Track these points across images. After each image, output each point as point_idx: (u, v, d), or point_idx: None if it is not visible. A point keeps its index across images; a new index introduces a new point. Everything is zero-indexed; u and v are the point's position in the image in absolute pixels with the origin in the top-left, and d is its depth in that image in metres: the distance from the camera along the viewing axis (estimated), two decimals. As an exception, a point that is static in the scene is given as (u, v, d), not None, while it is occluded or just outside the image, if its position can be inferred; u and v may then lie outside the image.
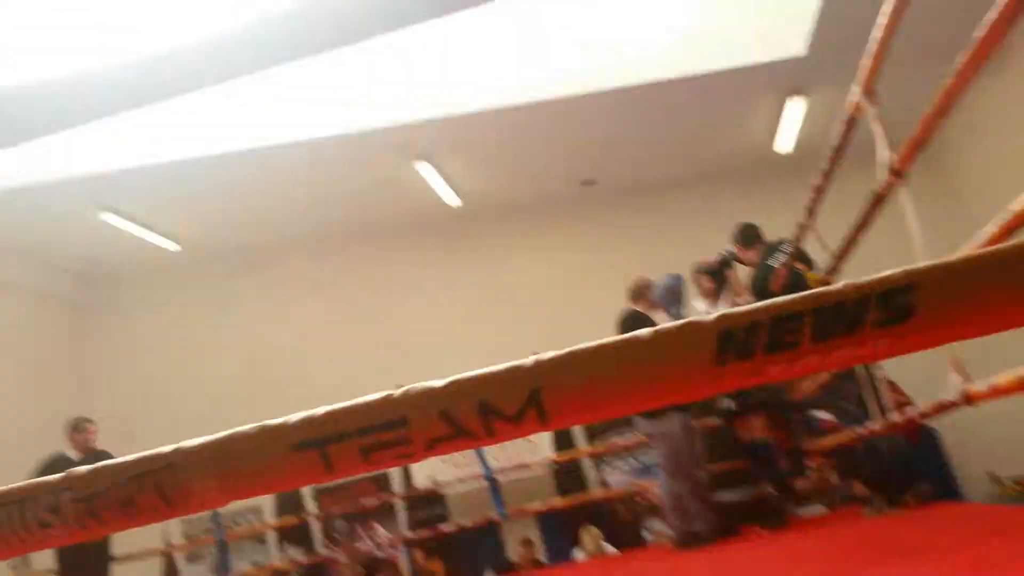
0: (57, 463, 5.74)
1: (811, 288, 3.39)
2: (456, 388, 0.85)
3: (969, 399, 2.26)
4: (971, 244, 1.98)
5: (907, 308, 0.80)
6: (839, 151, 3.01)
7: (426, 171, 7.99)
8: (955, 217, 7.12)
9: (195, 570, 7.67)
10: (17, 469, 5.65)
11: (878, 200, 2.62)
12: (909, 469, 4.35)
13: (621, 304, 5.28)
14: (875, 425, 3.31)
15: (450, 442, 0.85)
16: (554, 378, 0.86)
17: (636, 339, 0.85)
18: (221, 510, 7.61)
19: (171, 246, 8.69)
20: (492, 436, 0.84)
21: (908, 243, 2.41)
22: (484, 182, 8.71)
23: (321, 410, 0.88)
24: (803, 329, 0.80)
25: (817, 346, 0.81)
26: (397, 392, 0.88)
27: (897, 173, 2.47)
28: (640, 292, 5.07)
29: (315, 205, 8.54)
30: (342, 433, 0.86)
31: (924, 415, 2.54)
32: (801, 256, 4.50)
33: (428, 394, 0.87)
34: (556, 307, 8.89)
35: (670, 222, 8.90)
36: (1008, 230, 1.88)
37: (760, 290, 4.73)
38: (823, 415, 4.97)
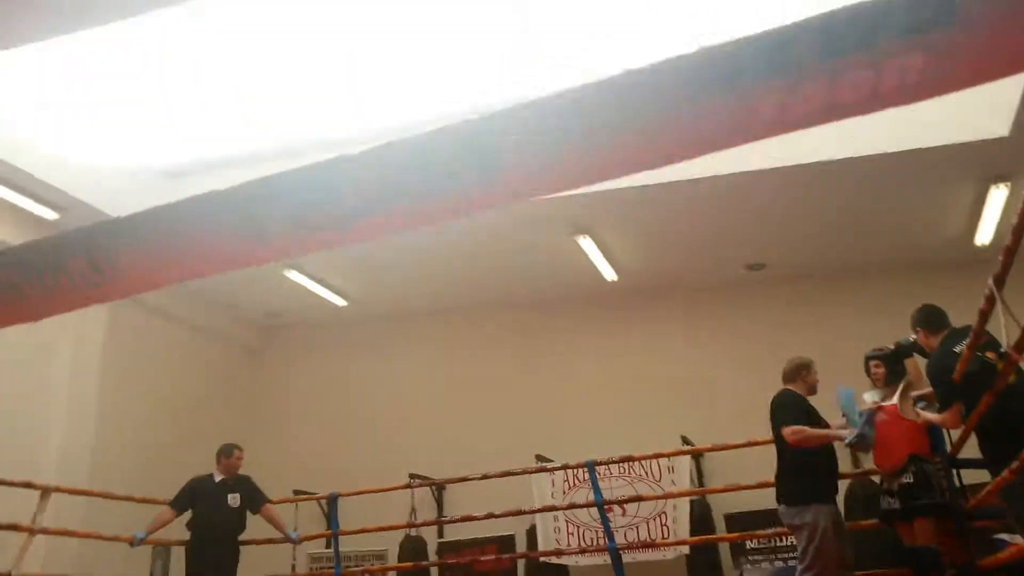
0: (200, 481, 6.09)
1: (998, 375, 2.97)
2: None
3: None
4: None
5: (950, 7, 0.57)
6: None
7: (587, 245, 7.97)
8: None
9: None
10: (175, 488, 6.12)
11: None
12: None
13: None
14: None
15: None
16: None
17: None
18: (345, 550, 7.70)
19: (339, 301, 9.25)
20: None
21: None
22: (644, 259, 8.53)
23: (257, 179, 0.74)
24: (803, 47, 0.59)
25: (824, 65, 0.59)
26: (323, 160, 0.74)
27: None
28: (795, 373, 4.74)
29: (476, 273, 8.78)
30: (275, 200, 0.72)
31: None
32: (989, 343, 4.00)
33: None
34: (708, 393, 8.52)
35: (840, 313, 8.33)
36: None
37: (940, 379, 4.24)
38: (1013, 538, 4.35)
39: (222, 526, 5.89)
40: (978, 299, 3.28)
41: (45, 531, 5.65)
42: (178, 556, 6.37)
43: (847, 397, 4.56)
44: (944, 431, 4.98)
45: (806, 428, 4.40)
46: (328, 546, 7.11)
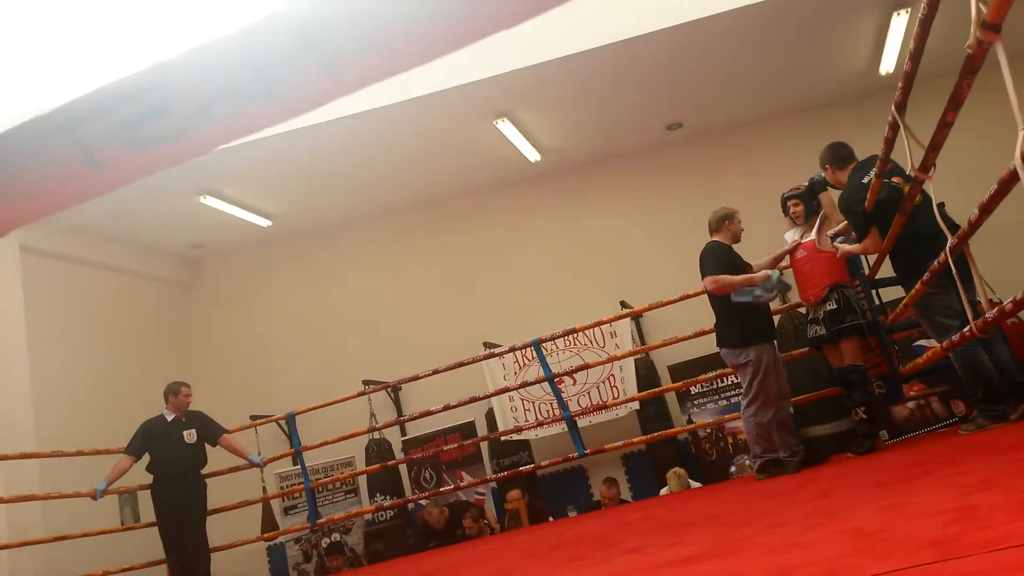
0: (152, 423, 6.05)
1: (908, 200, 3.08)
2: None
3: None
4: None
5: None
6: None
7: (507, 129, 7.85)
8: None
9: (292, 521, 7.93)
10: (127, 435, 6.06)
11: (971, 63, 2.30)
12: (1016, 384, 3.99)
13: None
14: (970, 330, 3.01)
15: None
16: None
17: None
18: (312, 464, 7.86)
19: (262, 222, 9.02)
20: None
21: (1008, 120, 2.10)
22: (564, 135, 8.46)
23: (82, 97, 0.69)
24: None
25: None
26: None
27: (991, 27, 2.14)
28: (719, 224, 4.84)
29: (398, 176, 8.61)
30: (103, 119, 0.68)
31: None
32: (894, 169, 4.15)
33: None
34: (642, 257, 8.71)
35: (760, 160, 8.46)
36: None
37: (852, 210, 4.39)
38: (930, 342, 4.64)
39: (181, 464, 5.89)
40: (876, 125, 3.35)
41: (1, 500, 5.57)
42: (145, 499, 6.39)
43: (773, 279, 4.66)
44: (861, 257, 5.23)
45: (723, 276, 4.56)
46: (294, 464, 7.22)
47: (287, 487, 7.91)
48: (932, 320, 4.15)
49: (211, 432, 6.13)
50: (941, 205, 3.44)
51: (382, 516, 7.96)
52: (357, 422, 7.38)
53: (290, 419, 6.66)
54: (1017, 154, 2.12)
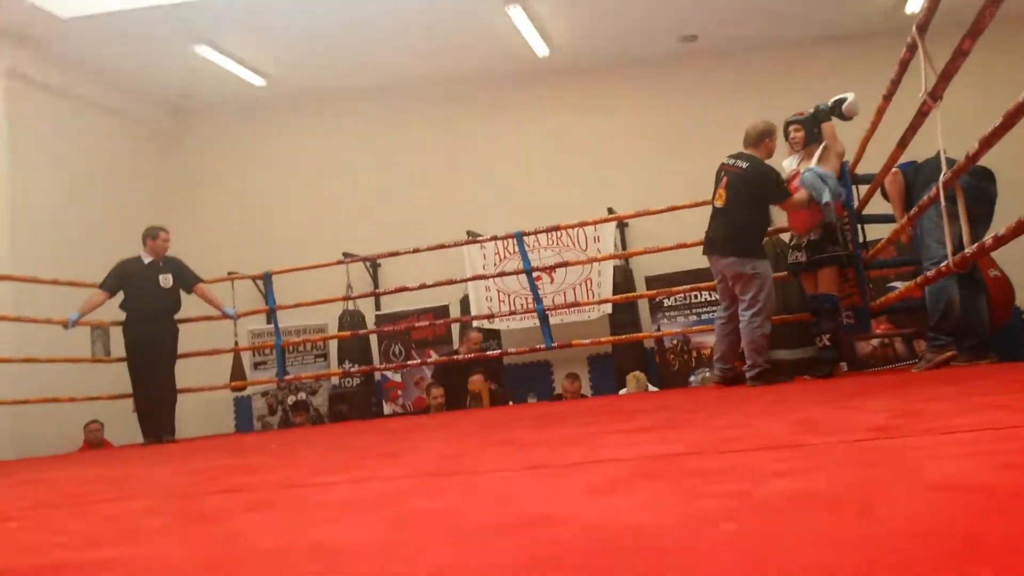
0: (129, 263, 6.06)
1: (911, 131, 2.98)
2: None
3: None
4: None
5: None
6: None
7: (518, 16, 7.58)
8: None
9: (260, 375, 8.10)
10: (103, 271, 6.07)
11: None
12: (983, 337, 4.10)
13: (703, 171, 5.08)
14: (947, 265, 3.06)
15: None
16: None
17: None
18: (286, 325, 7.97)
19: (257, 80, 8.76)
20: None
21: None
22: (576, 32, 8.19)
23: None
24: None
25: None
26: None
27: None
28: (760, 139, 4.75)
29: (399, 50, 8.33)
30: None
31: (1014, 231, 2.29)
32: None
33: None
34: (636, 166, 8.64)
35: (772, 87, 8.24)
36: None
37: None
38: (905, 284, 4.72)
39: (154, 306, 5.93)
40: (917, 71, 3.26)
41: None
42: (117, 336, 6.46)
43: (812, 176, 4.66)
44: (854, 191, 5.24)
45: (794, 198, 4.63)
46: (268, 322, 7.32)
47: (259, 343, 8.04)
48: (925, 243, 4.20)
49: (187, 279, 6.16)
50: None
51: (348, 382, 8.15)
52: (334, 293, 7.44)
53: (267, 278, 6.70)
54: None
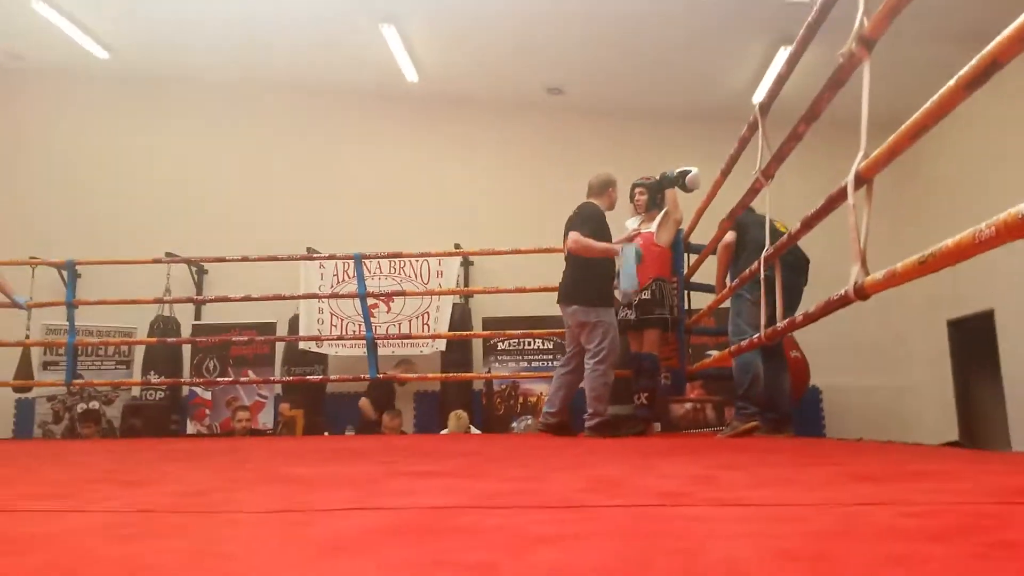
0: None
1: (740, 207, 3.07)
2: None
3: (863, 290, 2.09)
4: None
5: None
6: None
7: (391, 35, 7.42)
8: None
9: (49, 376, 7.28)
10: None
11: (838, 75, 2.34)
12: (784, 411, 4.30)
13: (554, 219, 5.05)
14: (759, 337, 3.15)
15: None
16: None
17: None
18: (89, 324, 7.24)
19: (100, 52, 8.09)
20: None
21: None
22: (447, 62, 8.14)
23: None
24: None
25: None
26: None
27: (866, 42, 2.17)
28: (603, 188, 4.80)
29: (266, 49, 7.96)
30: None
31: (822, 311, 2.36)
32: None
33: None
34: (486, 207, 8.62)
35: (628, 150, 8.52)
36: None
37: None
38: (720, 353, 4.90)
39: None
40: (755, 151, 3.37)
41: None
42: None
43: (630, 254, 4.71)
44: (685, 258, 5.44)
45: (586, 239, 4.55)
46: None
47: (53, 339, 7.23)
48: (735, 322, 4.39)
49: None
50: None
51: (150, 394, 7.47)
52: (151, 295, 6.83)
53: (69, 267, 6.03)
54: (851, 173, 2.18)
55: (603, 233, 4.66)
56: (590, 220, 4.63)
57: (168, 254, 7.23)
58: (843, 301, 2.21)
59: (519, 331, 6.28)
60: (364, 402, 6.99)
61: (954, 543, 0.81)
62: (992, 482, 1.39)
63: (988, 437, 7.20)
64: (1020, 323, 6.62)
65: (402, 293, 6.46)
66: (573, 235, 4.58)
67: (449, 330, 7.40)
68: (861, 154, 2.11)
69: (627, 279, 4.59)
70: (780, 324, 2.83)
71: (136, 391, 7.60)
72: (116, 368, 7.84)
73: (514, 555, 0.78)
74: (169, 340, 6.56)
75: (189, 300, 6.83)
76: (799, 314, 2.64)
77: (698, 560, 0.77)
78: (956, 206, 7.22)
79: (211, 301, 6.53)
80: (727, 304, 4.62)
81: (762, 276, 3.16)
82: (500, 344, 7.44)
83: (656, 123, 8.78)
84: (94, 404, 7.39)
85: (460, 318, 7.73)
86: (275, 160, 8.87)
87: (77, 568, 0.79)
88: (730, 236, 4.46)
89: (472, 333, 6.75)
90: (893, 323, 8.01)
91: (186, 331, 7.83)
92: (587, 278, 4.63)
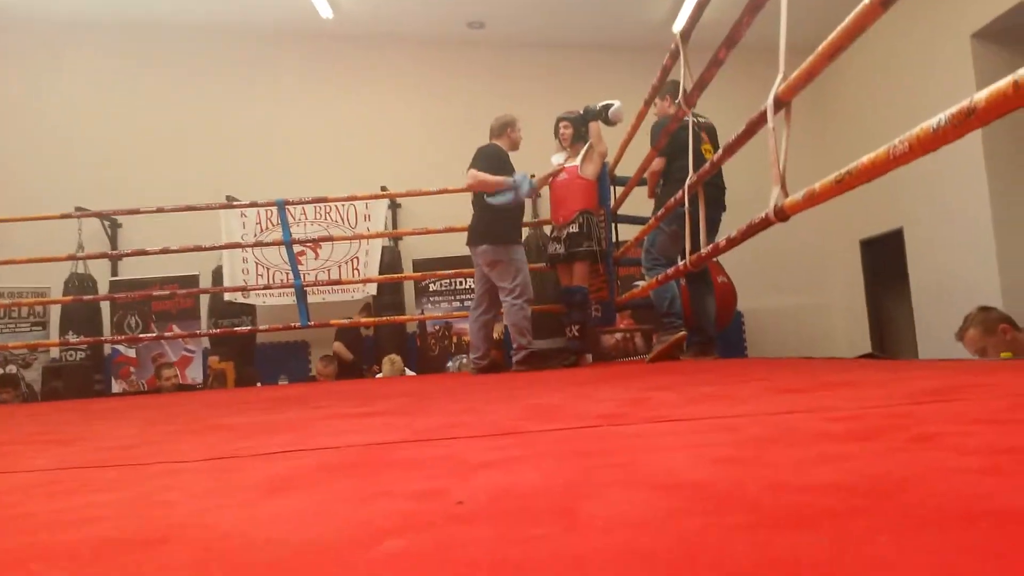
0: None
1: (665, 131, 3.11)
2: None
3: (783, 212, 2.14)
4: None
5: None
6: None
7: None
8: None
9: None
10: None
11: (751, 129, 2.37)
12: (709, 334, 4.43)
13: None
14: (684, 264, 3.22)
15: None
16: None
17: None
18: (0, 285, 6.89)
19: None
20: None
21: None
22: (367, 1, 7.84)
23: None
24: None
25: None
26: None
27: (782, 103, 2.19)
28: (502, 129, 4.82)
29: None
30: None
31: (744, 234, 2.42)
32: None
33: None
34: (412, 147, 8.46)
35: (549, 83, 8.47)
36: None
37: (653, 131, 4.51)
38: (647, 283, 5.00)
39: None
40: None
41: None
42: None
43: (523, 180, 4.70)
44: (611, 191, 5.48)
45: (482, 173, 4.60)
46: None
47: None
48: (648, 251, 4.49)
49: None
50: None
51: (71, 355, 7.21)
52: (62, 251, 6.52)
53: (-31, 226, 5.70)
54: (771, 96, 2.21)
55: (504, 171, 4.69)
56: (488, 158, 4.69)
57: (78, 208, 6.90)
58: (764, 223, 2.27)
59: (450, 271, 6.26)
60: (338, 346, 7.03)
61: (877, 441, 0.86)
62: (906, 387, 1.47)
63: (899, 348, 7.62)
64: (927, 240, 6.95)
65: (329, 238, 6.34)
66: (470, 172, 4.63)
67: (380, 274, 7.32)
68: (780, 76, 2.14)
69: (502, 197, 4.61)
70: (704, 250, 2.89)
71: (55, 352, 7.32)
72: (32, 330, 7.52)
73: (460, 480, 0.79)
74: (86, 297, 6.30)
75: (104, 255, 6.56)
76: (722, 239, 2.70)
77: (638, 471, 0.79)
78: (870, 130, 7.45)
79: (128, 255, 6.29)
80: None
81: (686, 206, 3.21)
82: (432, 285, 7.42)
83: (581, 55, 8.71)
84: (11, 368, 7.09)
85: (390, 261, 7.65)
86: (186, 106, 8.47)
87: (11, 526, 0.77)
88: (658, 163, 4.51)
89: (403, 276, 6.70)
90: (810, 245, 8.31)
91: (103, 288, 7.54)
92: (495, 219, 4.67)
